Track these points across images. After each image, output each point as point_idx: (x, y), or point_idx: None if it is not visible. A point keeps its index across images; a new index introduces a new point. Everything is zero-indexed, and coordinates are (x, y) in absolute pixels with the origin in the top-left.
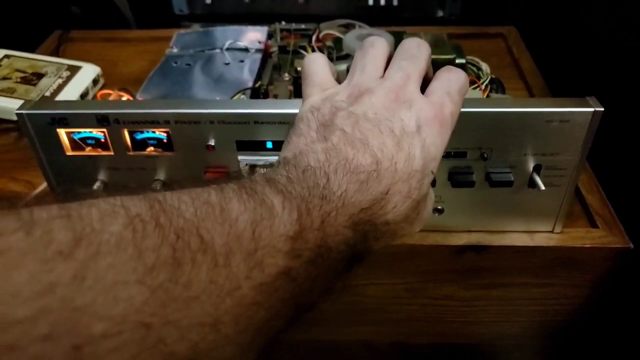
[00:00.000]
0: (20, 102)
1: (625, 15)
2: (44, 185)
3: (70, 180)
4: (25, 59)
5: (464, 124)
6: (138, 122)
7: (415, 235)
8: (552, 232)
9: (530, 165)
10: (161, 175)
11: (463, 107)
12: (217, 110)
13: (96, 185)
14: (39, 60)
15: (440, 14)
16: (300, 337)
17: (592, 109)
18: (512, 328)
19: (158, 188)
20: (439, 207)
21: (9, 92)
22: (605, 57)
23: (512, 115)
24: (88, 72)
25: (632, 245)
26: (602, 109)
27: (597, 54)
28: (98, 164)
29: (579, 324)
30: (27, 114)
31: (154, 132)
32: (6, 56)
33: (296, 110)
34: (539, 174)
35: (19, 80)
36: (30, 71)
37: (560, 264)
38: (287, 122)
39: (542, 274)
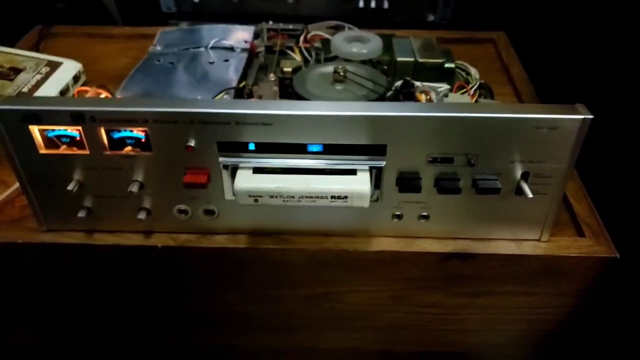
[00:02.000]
0: None
1: (615, 22)
2: (15, 185)
3: (44, 180)
4: (3, 53)
5: (451, 129)
6: (115, 121)
7: (400, 241)
8: (539, 240)
9: (518, 173)
10: (139, 176)
11: (450, 111)
12: (198, 110)
13: (71, 186)
14: (18, 54)
15: (431, 18)
16: (282, 344)
17: (581, 116)
18: (497, 337)
19: (135, 190)
20: (425, 214)
21: None
22: (594, 65)
23: (500, 121)
24: (68, 68)
25: (618, 255)
26: (592, 117)
27: (586, 61)
28: (73, 163)
29: (565, 334)
30: None
31: (131, 131)
32: None
33: (280, 112)
34: (526, 182)
35: None
36: (7, 66)
37: (547, 273)
38: (271, 123)
39: (528, 282)
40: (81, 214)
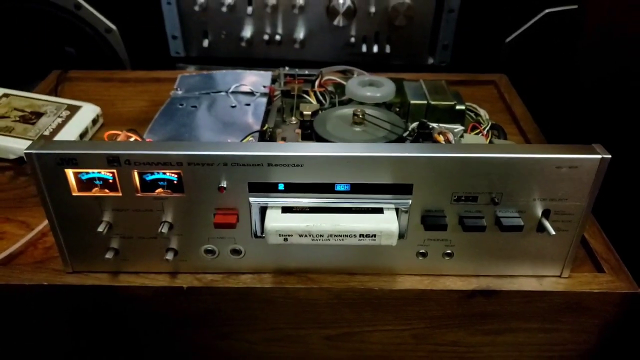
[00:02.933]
0: (18, 140)
1: (614, 63)
2: (40, 227)
3: (74, 222)
4: (24, 97)
5: (477, 169)
6: (150, 164)
7: (424, 280)
8: (559, 276)
9: (540, 210)
10: (169, 217)
11: (475, 152)
12: (232, 153)
13: (101, 227)
14: (38, 99)
15: (430, 61)
16: None
17: (600, 156)
18: None
19: (165, 230)
20: (449, 251)
21: (7, 131)
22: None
23: (523, 161)
24: (88, 111)
25: None
26: (609, 156)
27: (588, 101)
28: (104, 205)
29: None
30: (35, 153)
31: (164, 173)
32: (5, 95)
33: (307, 153)
34: (547, 219)
35: (17, 119)
36: (29, 110)
37: (568, 309)
38: (300, 164)
39: (549, 318)
40: (108, 255)
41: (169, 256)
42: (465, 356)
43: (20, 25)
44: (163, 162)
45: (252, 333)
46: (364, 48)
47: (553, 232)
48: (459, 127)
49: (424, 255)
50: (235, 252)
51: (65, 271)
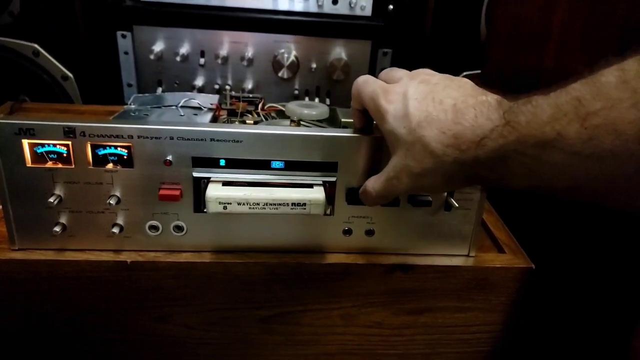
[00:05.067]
0: None
1: None
2: None
3: (25, 193)
4: None
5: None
6: (103, 136)
7: (350, 256)
8: (467, 255)
9: None
10: (117, 192)
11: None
12: (178, 127)
13: (52, 199)
14: None
15: None
16: None
17: None
18: None
19: (113, 203)
20: (370, 229)
21: None
22: None
23: None
24: None
25: (533, 266)
26: None
27: None
28: (56, 177)
29: (499, 354)
30: None
31: (115, 147)
32: None
33: (245, 130)
34: (452, 197)
35: None
36: None
37: (477, 286)
38: (239, 140)
39: (462, 296)
40: (57, 228)
41: (115, 230)
42: (389, 339)
43: None
44: (116, 134)
45: (191, 316)
46: (307, 100)
47: (456, 205)
48: None
49: (349, 232)
50: (178, 228)
51: (11, 248)
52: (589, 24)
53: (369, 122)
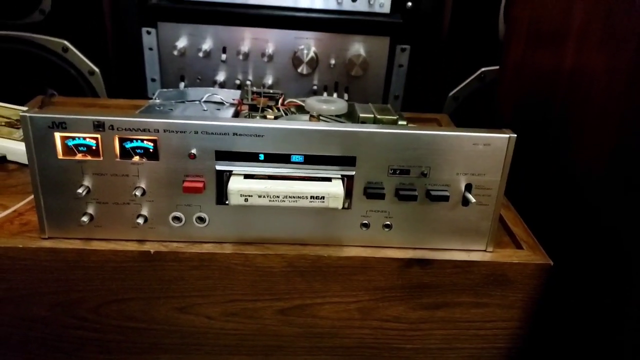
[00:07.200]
0: (3, 140)
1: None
2: (16, 206)
3: (56, 184)
4: (11, 109)
5: (406, 144)
6: (131, 129)
7: (367, 250)
8: (485, 250)
9: (463, 184)
10: (142, 183)
11: (405, 129)
12: (202, 122)
13: (81, 189)
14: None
15: None
16: None
17: (507, 135)
18: (458, 358)
19: (138, 194)
20: (388, 223)
21: None
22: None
23: (445, 137)
24: None
25: (552, 263)
26: (515, 136)
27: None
28: (85, 169)
29: (517, 353)
30: (30, 116)
31: (142, 141)
32: None
33: (267, 125)
34: (470, 192)
35: (3, 124)
36: (15, 118)
37: (494, 281)
38: (261, 134)
39: (480, 292)
40: (84, 218)
41: (140, 220)
42: (406, 334)
43: (7, 64)
44: (142, 128)
45: (211, 306)
46: (325, 95)
47: (473, 200)
48: None
49: (367, 226)
50: (200, 219)
51: (41, 237)
52: (609, 22)
53: None
